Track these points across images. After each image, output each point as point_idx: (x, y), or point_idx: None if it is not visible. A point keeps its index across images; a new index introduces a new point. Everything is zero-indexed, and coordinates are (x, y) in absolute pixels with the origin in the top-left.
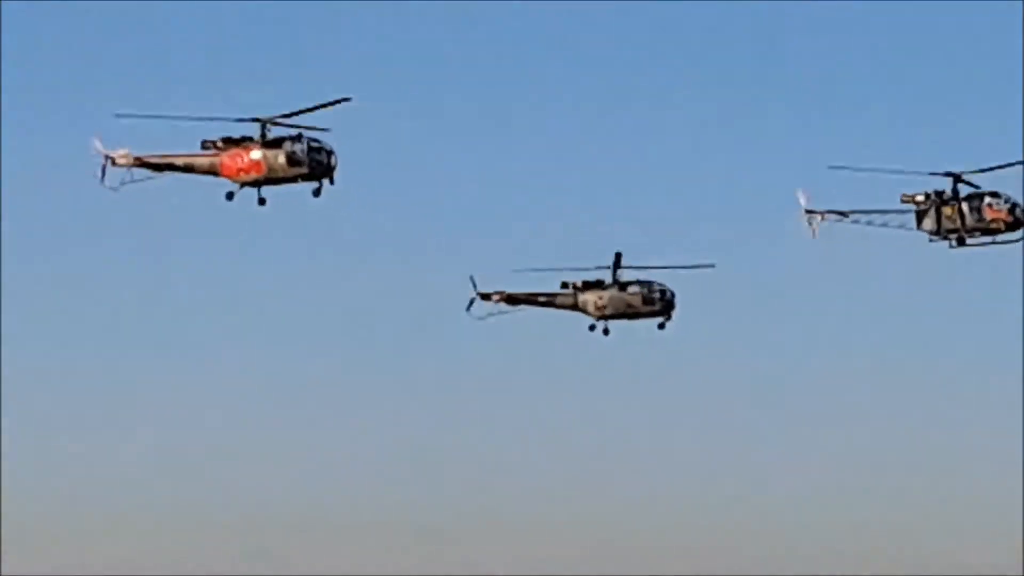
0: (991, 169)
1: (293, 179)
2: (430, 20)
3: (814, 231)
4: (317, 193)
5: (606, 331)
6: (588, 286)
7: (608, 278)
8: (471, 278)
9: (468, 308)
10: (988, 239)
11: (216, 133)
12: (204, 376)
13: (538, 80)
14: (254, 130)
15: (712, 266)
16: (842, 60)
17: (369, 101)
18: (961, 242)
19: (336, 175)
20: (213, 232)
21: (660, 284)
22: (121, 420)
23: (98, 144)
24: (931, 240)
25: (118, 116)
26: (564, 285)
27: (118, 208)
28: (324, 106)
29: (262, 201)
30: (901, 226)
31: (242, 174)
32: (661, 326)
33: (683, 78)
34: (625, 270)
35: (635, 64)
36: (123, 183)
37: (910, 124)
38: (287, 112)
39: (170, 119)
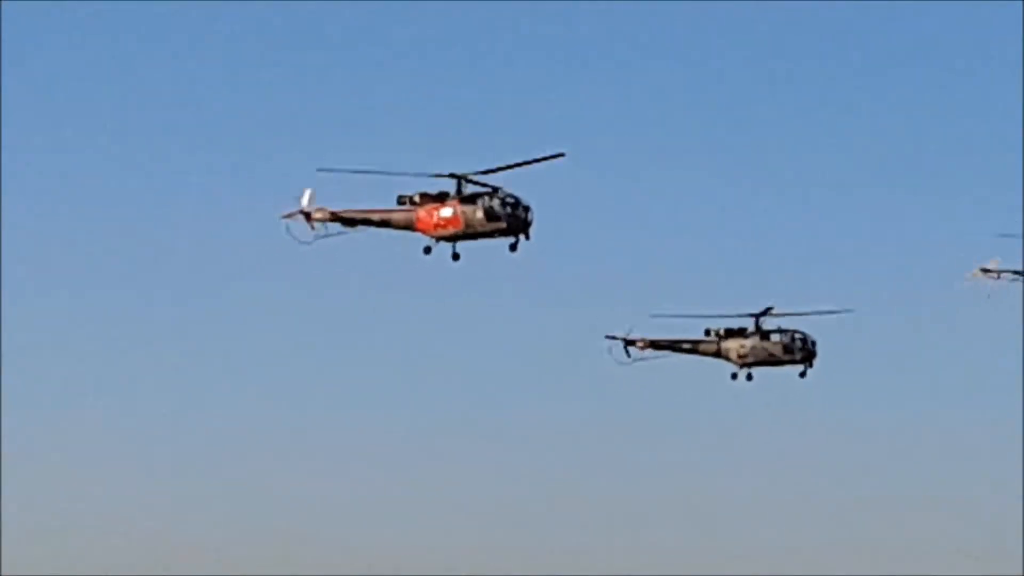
0: None
1: (490, 234)
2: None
3: (989, 290)
4: (514, 248)
5: (749, 376)
6: (731, 334)
7: (751, 326)
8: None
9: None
10: None
11: (412, 188)
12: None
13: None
14: (450, 185)
15: (851, 311)
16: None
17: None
18: None
19: (532, 231)
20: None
21: (802, 333)
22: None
23: (306, 196)
24: None
25: (319, 171)
26: (707, 332)
27: (310, 260)
28: (535, 161)
29: (456, 256)
30: None
31: (439, 229)
32: (802, 374)
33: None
34: (770, 318)
35: (809, 117)
36: (316, 237)
37: None
38: (504, 164)
39: (370, 174)
